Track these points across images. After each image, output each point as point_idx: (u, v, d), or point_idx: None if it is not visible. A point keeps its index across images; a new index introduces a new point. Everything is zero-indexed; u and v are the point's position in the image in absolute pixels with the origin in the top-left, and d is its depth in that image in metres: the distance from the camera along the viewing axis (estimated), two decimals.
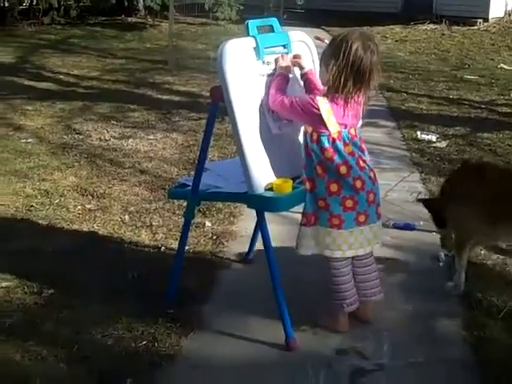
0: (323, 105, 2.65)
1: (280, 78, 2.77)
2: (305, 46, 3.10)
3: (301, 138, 2.86)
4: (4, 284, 3.21)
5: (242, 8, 14.26)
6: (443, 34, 13.99)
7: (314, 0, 16.21)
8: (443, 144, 5.82)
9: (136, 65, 9.98)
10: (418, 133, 6.10)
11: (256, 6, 13.45)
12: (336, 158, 2.70)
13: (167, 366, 2.63)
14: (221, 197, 3.07)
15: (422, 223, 4.06)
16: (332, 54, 2.66)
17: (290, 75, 2.81)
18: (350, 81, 2.63)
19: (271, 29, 2.99)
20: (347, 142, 2.72)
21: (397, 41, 13.44)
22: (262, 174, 2.72)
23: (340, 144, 2.70)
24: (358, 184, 2.75)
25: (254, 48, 2.81)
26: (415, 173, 5.05)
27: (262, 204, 2.73)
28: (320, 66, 2.77)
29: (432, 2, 15.41)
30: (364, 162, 2.79)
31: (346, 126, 2.71)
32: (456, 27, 14.53)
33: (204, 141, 2.96)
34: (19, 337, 2.78)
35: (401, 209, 4.29)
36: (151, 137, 6.03)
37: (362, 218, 2.78)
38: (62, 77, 8.91)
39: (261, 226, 2.79)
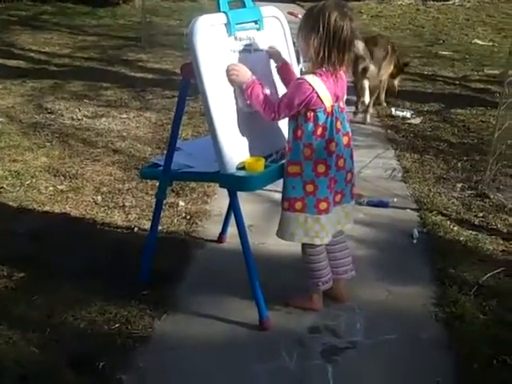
0: (315, 81, 2.60)
1: (253, 88, 2.65)
2: (277, 22, 3.06)
3: None
4: None
5: None
6: (418, 10, 13.98)
7: None
8: (418, 120, 5.84)
9: (109, 42, 9.82)
10: (393, 109, 6.10)
11: None
12: (327, 133, 2.65)
13: (140, 349, 2.62)
14: (192, 176, 3.04)
15: (396, 200, 4.08)
16: (311, 27, 2.59)
17: (253, 77, 2.69)
18: (333, 52, 2.57)
19: (243, 4, 2.95)
20: (338, 116, 2.68)
21: (372, 16, 13.39)
22: (234, 152, 2.68)
23: (333, 119, 2.66)
24: (341, 163, 2.72)
25: (225, 24, 2.76)
26: (390, 149, 5.07)
27: (234, 183, 2.70)
28: (298, 41, 2.70)
29: None
30: (349, 139, 2.76)
31: (337, 99, 2.67)
32: (431, 2, 14.53)
33: (175, 119, 2.91)
34: None
35: (375, 186, 4.30)
36: (124, 116, 5.95)
37: (337, 198, 2.77)
38: (32, 54, 8.73)
39: (233, 205, 2.77)
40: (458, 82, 7.57)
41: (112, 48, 9.30)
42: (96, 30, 10.84)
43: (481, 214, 3.92)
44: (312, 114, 2.63)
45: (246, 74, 2.69)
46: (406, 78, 7.58)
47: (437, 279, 3.14)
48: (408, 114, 5.95)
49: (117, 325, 2.76)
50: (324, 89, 2.60)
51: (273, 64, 2.93)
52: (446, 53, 9.50)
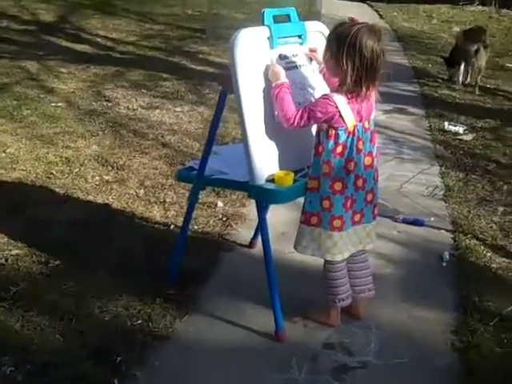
0: (340, 100, 2.65)
1: (280, 89, 2.70)
2: (321, 37, 3.09)
3: (307, 132, 2.87)
4: (14, 252, 3.33)
5: None
6: (490, 17, 13.63)
7: None
8: (469, 137, 5.75)
9: (174, 32, 9.99)
10: (446, 123, 6.02)
11: None
12: (347, 152, 2.70)
13: (158, 347, 2.72)
14: (224, 183, 3.10)
15: (432, 219, 4.06)
16: (346, 52, 2.59)
17: (285, 80, 2.74)
18: (365, 79, 2.62)
19: (288, 19, 3.00)
20: (360, 136, 2.73)
21: (442, 21, 13.16)
22: (265, 165, 2.74)
23: (354, 139, 2.70)
24: (360, 183, 2.77)
25: (268, 37, 2.82)
26: (435, 165, 5.02)
27: (262, 195, 2.77)
28: (325, 58, 2.72)
29: None
30: (372, 159, 2.80)
31: (361, 119, 2.72)
32: (505, 10, 14.15)
33: (212, 127, 3.00)
34: (22, 306, 2.90)
35: (414, 203, 4.29)
36: (178, 109, 6.09)
37: (357, 218, 2.81)
38: (99, 40, 8.98)
39: (260, 216, 2.84)
40: None
41: (176, 38, 9.46)
42: (164, 18, 11.02)
43: None
44: (334, 131, 2.67)
45: (279, 74, 2.74)
46: (466, 91, 7.49)
47: (460, 306, 3.14)
48: (460, 130, 5.86)
49: (139, 321, 2.87)
50: (347, 109, 2.64)
51: (316, 76, 2.97)
52: None
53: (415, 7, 14.40)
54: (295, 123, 2.68)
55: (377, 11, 13.70)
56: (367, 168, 2.78)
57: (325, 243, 2.78)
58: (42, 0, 11.60)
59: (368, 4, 14.47)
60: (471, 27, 8.50)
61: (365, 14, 12.52)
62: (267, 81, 2.77)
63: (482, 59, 7.41)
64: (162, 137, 5.29)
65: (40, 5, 11.10)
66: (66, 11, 10.86)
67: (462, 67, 7.61)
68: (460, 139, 5.68)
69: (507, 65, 9.27)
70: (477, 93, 7.39)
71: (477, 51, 7.32)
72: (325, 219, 2.75)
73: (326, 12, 11.32)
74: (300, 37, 2.98)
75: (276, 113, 2.74)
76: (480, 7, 14.41)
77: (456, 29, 8.03)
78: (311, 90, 2.91)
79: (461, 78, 7.66)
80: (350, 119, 2.67)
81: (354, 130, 2.70)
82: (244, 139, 2.74)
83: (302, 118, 2.68)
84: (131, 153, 4.87)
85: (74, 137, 5.10)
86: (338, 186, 2.73)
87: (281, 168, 2.81)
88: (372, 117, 2.81)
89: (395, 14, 13.60)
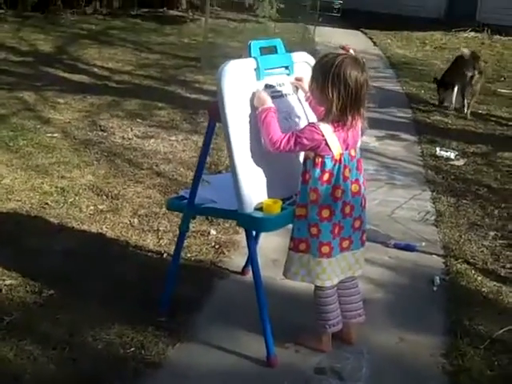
0: (326, 129, 2.71)
1: (267, 114, 2.75)
2: (308, 68, 3.16)
3: (294, 160, 2.93)
4: (8, 282, 3.36)
5: (283, 7, 14.25)
6: (483, 44, 13.80)
7: (354, 1, 15.78)
8: (461, 162, 5.81)
9: (170, 61, 10.11)
10: (437, 149, 6.08)
11: (296, 4, 13.39)
12: (333, 180, 2.76)
13: (150, 374, 2.75)
14: (213, 212, 3.14)
15: (424, 244, 4.10)
16: (331, 82, 2.65)
17: (271, 105, 2.79)
18: (350, 108, 2.68)
19: (275, 50, 3.07)
20: (346, 164, 2.78)
21: (435, 48, 13.31)
22: (253, 193, 2.79)
23: (341, 167, 2.76)
24: (347, 210, 2.81)
25: (255, 69, 2.89)
26: (427, 191, 5.06)
27: (250, 223, 2.81)
28: (311, 88, 2.79)
29: (476, 8, 15.27)
30: (359, 186, 2.85)
31: (347, 147, 2.78)
32: (497, 37, 14.32)
33: (201, 155, 3.06)
34: (15, 335, 2.92)
35: (405, 228, 4.33)
36: (173, 138, 6.14)
37: (345, 244, 2.85)
38: (96, 70, 9.09)
39: (249, 244, 2.88)
40: (511, 124, 7.48)
41: (172, 67, 9.57)
42: (160, 47, 11.15)
43: (509, 266, 3.90)
44: (320, 159, 2.73)
45: (264, 100, 2.79)
46: (458, 116, 7.57)
47: (450, 330, 3.16)
48: (452, 155, 5.92)
49: (132, 349, 2.90)
50: (333, 137, 2.70)
51: (301, 105, 3.03)
52: (505, 91, 9.36)
53: (408, 34, 14.58)
54: (281, 147, 2.73)
55: (371, 38, 13.87)
56: (354, 195, 2.83)
57: (314, 269, 2.81)
58: (40, 31, 11.78)
59: (362, 31, 14.65)
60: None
61: (359, 42, 12.69)
62: (254, 111, 2.83)
63: (477, 85, 7.58)
64: (157, 166, 5.34)
65: (38, 35, 11.26)
66: (64, 42, 11.00)
67: (455, 91, 7.76)
68: (452, 164, 5.74)
69: (499, 90, 9.38)
70: (469, 117, 7.50)
71: (472, 77, 7.51)
72: (313, 246, 2.79)
73: (319, 40, 11.50)
74: (287, 68, 3.05)
75: (262, 138, 2.80)
76: (473, 33, 14.59)
77: (464, 50, 8.17)
78: (296, 119, 2.98)
79: (453, 102, 7.79)
80: (336, 147, 2.73)
81: (340, 158, 2.75)
82: (232, 168, 2.80)
83: (288, 142, 2.72)
84: (126, 182, 4.92)
85: (69, 167, 5.15)
86: (325, 213, 2.78)
87: (269, 196, 2.86)
88: (358, 145, 2.87)
89: (389, 41, 13.77)
